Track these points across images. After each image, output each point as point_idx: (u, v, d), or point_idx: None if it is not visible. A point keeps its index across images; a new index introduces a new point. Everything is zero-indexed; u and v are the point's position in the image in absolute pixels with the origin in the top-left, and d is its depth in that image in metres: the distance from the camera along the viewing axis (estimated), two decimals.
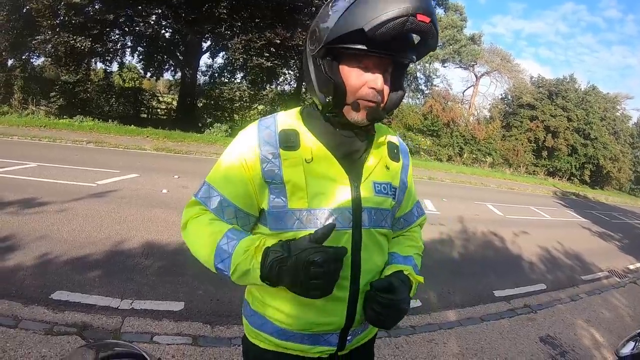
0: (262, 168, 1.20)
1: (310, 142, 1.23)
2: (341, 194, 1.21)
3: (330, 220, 1.18)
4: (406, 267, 1.32)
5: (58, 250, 4.63)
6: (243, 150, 1.24)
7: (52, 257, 4.46)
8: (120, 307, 3.68)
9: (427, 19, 1.04)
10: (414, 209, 1.53)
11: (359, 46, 1.08)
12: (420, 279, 1.34)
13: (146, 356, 0.99)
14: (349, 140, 1.26)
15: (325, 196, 1.20)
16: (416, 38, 1.15)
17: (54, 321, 3.30)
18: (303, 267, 1.02)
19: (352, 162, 1.26)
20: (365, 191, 1.25)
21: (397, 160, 1.38)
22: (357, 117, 1.18)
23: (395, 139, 1.42)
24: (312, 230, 1.13)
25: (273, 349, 1.32)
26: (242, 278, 1.14)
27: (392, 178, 1.34)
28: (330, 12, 1.11)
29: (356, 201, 1.22)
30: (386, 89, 1.19)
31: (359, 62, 1.14)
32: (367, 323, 1.37)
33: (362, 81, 1.15)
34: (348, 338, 1.32)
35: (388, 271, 1.30)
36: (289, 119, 1.28)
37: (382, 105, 1.20)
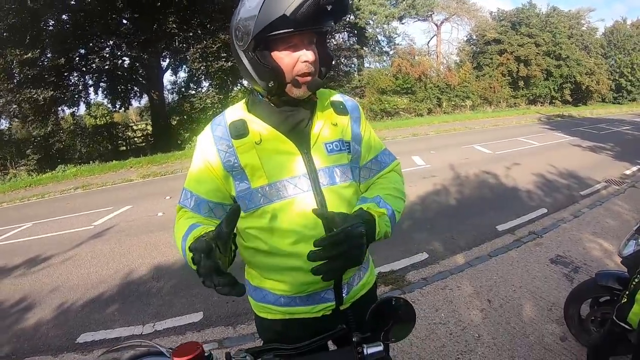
0: (222, 161, 1.33)
1: (257, 126, 1.34)
2: (295, 163, 1.31)
3: (289, 189, 1.30)
4: (366, 204, 1.31)
5: (73, 297, 4.71)
6: (203, 151, 1.38)
7: (68, 304, 4.55)
8: (144, 332, 3.79)
9: None
10: (379, 156, 1.54)
11: (286, 30, 1.16)
12: (382, 210, 1.30)
13: (165, 352, 1.07)
14: (292, 114, 1.36)
15: (281, 169, 1.31)
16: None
17: None
18: (190, 258, 1.05)
19: (299, 133, 1.36)
20: (317, 154, 1.34)
21: (345, 113, 1.45)
22: (300, 92, 1.29)
23: (338, 97, 1.50)
24: (279, 202, 1.29)
25: (280, 317, 1.44)
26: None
27: (342, 134, 1.40)
28: (249, 7, 1.20)
29: (310, 165, 1.32)
30: (316, 58, 1.28)
31: (287, 43, 1.22)
32: (359, 273, 1.49)
33: (294, 59, 1.24)
34: (343, 292, 1.41)
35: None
36: (235, 111, 1.41)
37: (317, 73, 1.30)
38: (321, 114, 1.40)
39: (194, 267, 1.04)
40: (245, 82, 22.31)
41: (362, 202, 1.37)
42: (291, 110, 1.36)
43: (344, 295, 1.42)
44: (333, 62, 1.40)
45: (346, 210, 1.33)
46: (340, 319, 1.35)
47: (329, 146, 1.37)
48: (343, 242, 1.09)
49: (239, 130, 1.33)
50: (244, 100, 1.45)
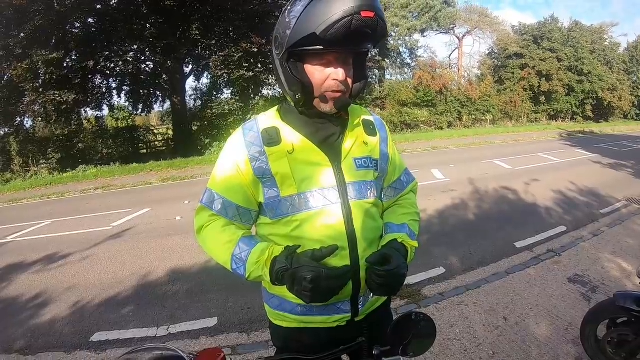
0: (253, 167, 1.35)
1: (290, 135, 1.36)
2: (325, 175, 1.34)
3: (318, 200, 1.33)
4: (400, 234, 1.43)
5: (89, 296, 4.76)
6: (233, 154, 1.39)
7: (84, 303, 4.60)
8: (158, 335, 3.81)
9: (371, 14, 1.14)
10: (402, 177, 1.62)
11: (317, 47, 1.20)
12: (415, 243, 1.45)
13: (186, 357, 1.08)
14: (324, 127, 1.39)
15: (311, 179, 1.33)
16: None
17: None
18: (297, 281, 1.18)
19: (330, 145, 1.39)
20: (347, 168, 1.37)
21: (375, 134, 1.49)
22: (327, 107, 1.32)
23: (369, 116, 1.53)
24: (307, 212, 1.32)
25: (296, 325, 1.46)
26: (256, 280, 1.34)
27: (371, 152, 1.45)
28: (287, 19, 1.23)
29: (340, 178, 1.35)
30: (350, 78, 1.31)
31: (320, 58, 1.26)
32: None
33: (326, 75, 1.27)
34: (360, 304, 1.43)
35: (384, 241, 1.41)
36: (268, 118, 1.43)
37: (347, 93, 1.32)
38: (352, 131, 1.43)
39: (277, 284, 1.25)
40: (266, 92, 22.50)
41: (392, 229, 1.47)
42: (323, 123, 1.39)
43: (359, 307, 1.43)
44: (366, 85, 1.41)
45: (372, 224, 1.42)
46: (354, 330, 1.39)
47: (359, 162, 1.40)
48: (392, 277, 1.26)
49: (272, 138, 1.36)
50: (276, 108, 1.48)
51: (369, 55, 1.51)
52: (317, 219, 1.32)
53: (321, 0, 1.15)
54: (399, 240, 1.40)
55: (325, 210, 1.32)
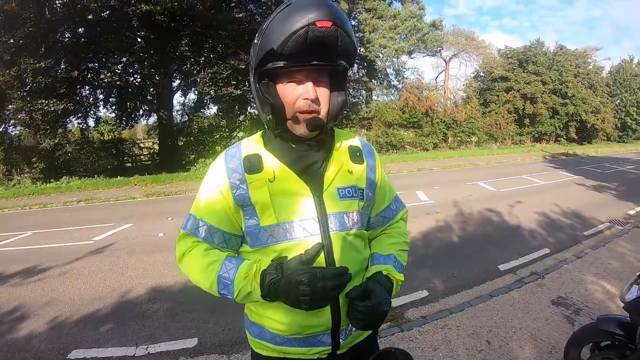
0: (233, 194, 1.31)
1: (271, 162, 1.32)
2: (305, 205, 1.30)
3: (297, 232, 1.28)
4: (386, 266, 1.39)
5: (67, 312, 4.66)
6: (216, 180, 1.36)
7: (62, 319, 4.50)
8: (137, 355, 3.73)
9: (328, 24, 1.12)
10: (391, 205, 1.57)
11: (279, 63, 1.18)
12: (400, 276, 1.41)
13: None
14: (305, 154, 1.35)
15: (291, 210, 1.29)
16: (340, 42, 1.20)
17: None
18: (293, 287, 1.14)
19: (312, 174, 1.34)
20: (329, 198, 1.32)
21: (361, 162, 1.43)
22: (300, 129, 1.27)
23: (356, 141, 1.48)
24: (286, 244, 1.28)
25: (275, 355, 1.41)
26: (245, 299, 1.27)
27: (356, 181, 1.39)
28: (256, 40, 1.23)
29: (320, 209, 1.30)
30: (324, 97, 1.27)
31: (291, 77, 1.24)
32: None
33: (297, 95, 1.24)
34: (341, 337, 1.38)
35: (368, 273, 1.37)
36: (251, 144, 1.39)
37: (322, 112, 1.28)
38: (337, 158, 1.39)
39: (274, 298, 1.20)
40: (251, 110, 22.61)
41: (378, 260, 1.43)
42: (305, 150, 1.35)
43: (341, 340, 1.38)
44: (345, 105, 1.36)
45: (355, 257, 1.37)
46: None
47: (342, 192, 1.35)
48: (373, 313, 1.24)
49: (254, 165, 1.32)
50: (260, 133, 1.45)
51: (351, 75, 1.46)
52: (296, 250, 1.25)
53: (282, 16, 1.14)
54: (384, 273, 1.36)
55: (304, 242, 1.27)
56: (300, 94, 1.23)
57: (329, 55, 1.20)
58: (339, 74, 1.31)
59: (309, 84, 1.22)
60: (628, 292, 2.61)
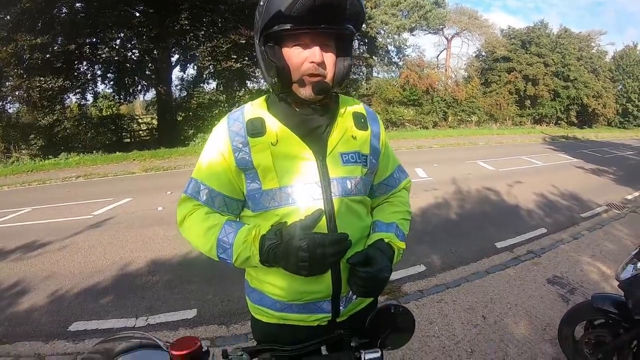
0: (235, 157, 1.29)
1: (274, 126, 1.30)
2: (308, 169, 1.28)
3: (299, 195, 1.27)
4: (387, 234, 1.37)
5: (68, 285, 4.70)
6: (218, 144, 1.33)
7: (63, 292, 4.54)
8: (137, 325, 3.78)
9: None
10: (394, 174, 1.56)
11: (286, 26, 1.16)
12: (402, 244, 1.39)
13: (162, 345, 1.06)
14: (309, 118, 1.33)
15: (293, 173, 1.27)
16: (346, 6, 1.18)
17: (77, 351, 3.40)
18: (292, 252, 1.13)
19: (315, 138, 1.32)
20: (332, 163, 1.30)
21: (365, 128, 1.41)
22: (305, 92, 1.25)
23: (360, 107, 1.46)
24: (288, 207, 1.26)
25: (275, 321, 1.41)
26: (243, 263, 1.26)
27: (360, 146, 1.37)
28: (261, 2, 1.19)
29: (323, 173, 1.28)
30: (330, 61, 1.25)
31: (297, 40, 1.21)
32: None
33: (303, 58, 1.21)
34: (341, 304, 1.37)
35: (370, 240, 1.35)
36: (254, 108, 1.37)
37: (328, 77, 1.26)
38: (341, 123, 1.37)
39: (281, 262, 1.17)
40: (250, 85, 22.41)
41: (380, 228, 1.41)
42: (309, 114, 1.33)
43: (341, 308, 1.38)
44: (350, 70, 1.34)
45: (356, 223, 1.36)
46: (336, 330, 1.34)
47: (345, 157, 1.34)
48: (374, 279, 1.23)
49: (257, 129, 1.30)
50: (264, 97, 1.42)
51: (355, 45, 1.43)
52: (298, 214, 1.23)
53: None
54: (386, 241, 1.34)
55: (307, 206, 1.25)
56: (306, 57, 1.21)
57: (337, 19, 1.18)
58: (345, 39, 1.29)
59: (316, 48, 1.20)
60: (623, 271, 2.64)
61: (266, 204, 1.29)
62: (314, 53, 1.20)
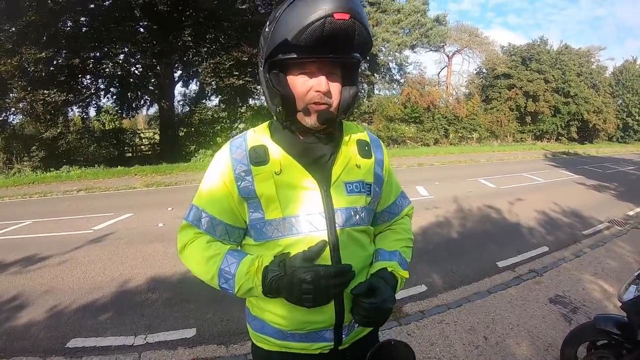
0: (238, 186, 1.28)
1: (278, 154, 1.29)
2: (312, 199, 1.27)
3: (303, 226, 1.26)
4: (390, 263, 1.37)
5: (66, 300, 4.67)
6: (220, 171, 1.32)
7: (61, 307, 4.51)
8: (135, 344, 3.74)
9: (346, 16, 1.08)
10: (397, 201, 1.55)
11: (291, 55, 1.15)
12: (405, 274, 1.39)
13: None
14: (313, 147, 1.32)
15: (297, 203, 1.26)
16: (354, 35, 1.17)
17: None
18: (296, 285, 1.13)
19: (320, 167, 1.31)
20: (337, 193, 1.29)
21: (369, 156, 1.40)
22: (310, 121, 1.24)
23: (364, 135, 1.44)
24: (291, 238, 1.25)
25: (277, 349, 1.39)
26: (245, 294, 1.26)
27: (364, 175, 1.36)
28: (267, 29, 1.19)
29: (327, 203, 1.27)
30: (336, 90, 1.24)
31: (303, 69, 1.20)
32: None
33: (308, 86, 1.20)
34: (343, 333, 1.36)
35: (373, 269, 1.35)
36: (257, 134, 1.36)
37: (333, 105, 1.25)
38: (345, 152, 1.36)
39: (284, 294, 1.17)
40: (252, 102, 22.51)
41: (383, 256, 1.41)
42: (313, 143, 1.32)
43: (343, 336, 1.37)
44: (356, 99, 1.33)
45: (360, 254, 1.35)
46: (337, 358, 1.34)
47: (349, 186, 1.33)
48: (378, 310, 1.22)
49: (260, 157, 1.29)
50: (267, 124, 1.41)
51: (360, 69, 1.43)
52: (302, 245, 1.22)
53: (296, 5, 1.10)
54: (389, 270, 1.34)
55: (310, 237, 1.24)
56: (312, 86, 1.21)
57: (344, 48, 1.17)
58: (352, 67, 1.28)
59: (322, 77, 1.20)
60: (626, 292, 2.62)
61: (269, 234, 1.28)
62: (320, 82, 1.20)
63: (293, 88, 1.22)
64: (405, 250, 1.48)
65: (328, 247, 1.22)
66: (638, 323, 2.41)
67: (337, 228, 1.28)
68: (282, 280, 1.16)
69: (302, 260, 1.15)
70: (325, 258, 1.23)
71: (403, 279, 1.38)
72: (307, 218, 1.26)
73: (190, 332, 3.93)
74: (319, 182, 1.29)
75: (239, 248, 1.41)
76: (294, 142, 1.32)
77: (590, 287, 4.78)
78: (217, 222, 1.34)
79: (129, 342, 3.78)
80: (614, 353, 2.62)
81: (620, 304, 2.62)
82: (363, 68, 30.09)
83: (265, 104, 24.22)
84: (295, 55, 1.15)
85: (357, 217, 1.33)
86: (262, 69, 1.25)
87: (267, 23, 1.20)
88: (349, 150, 1.37)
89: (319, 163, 1.32)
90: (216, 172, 1.34)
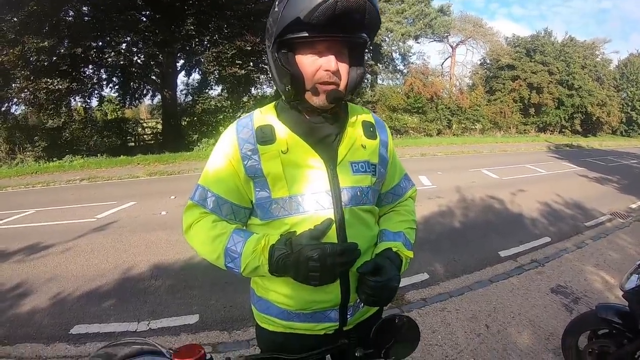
0: (245, 165, 1.28)
1: (284, 133, 1.29)
2: (318, 178, 1.27)
3: (309, 205, 1.26)
4: (395, 243, 1.38)
5: (70, 288, 4.70)
6: (226, 151, 1.32)
7: (65, 295, 4.53)
8: (138, 330, 3.77)
9: None
10: (401, 182, 1.57)
11: (302, 34, 1.15)
12: (410, 253, 1.39)
13: (165, 353, 1.06)
14: (320, 126, 1.32)
15: (303, 182, 1.26)
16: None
17: (77, 354, 3.40)
18: (303, 262, 1.12)
19: (326, 146, 1.31)
20: (343, 172, 1.30)
21: (374, 137, 1.41)
22: (318, 100, 1.24)
23: (369, 116, 1.46)
24: (297, 217, 1.25)
25: (281, 330, 1.40)
26: (252, 273, 1.26)
27: (369, 156, 1.37)
28: (276, 8, 1.18)
29: (334, 182, 1.28)
30: (344, 70, 1.24)
31: (312, 48, 1.20)
32: None
33: (317, 66, 1.20)
34: (348, 313, 1.37)
35: (378, 249, 1.36)
36: (264, 114, 1.36)
37: (341, 85, 1.25)
38: (351, 132, 1.36)
39: (291, 272, 1.17)
40: (255, 91, 22.43)
41: (387, 237, 1.41)
42: (319, 122, 1.32)
43: (348, 316, 1.38)
44: (363, 79, 1.33)
45: (365, 233, 1.36)
46: (342, 338, 1.33)
47: (355, 166, 1.33)
48: (383, 289, 1.24)
49: (266, 136, 1.29)
50: (273, 104, 1.41)
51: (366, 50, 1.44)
52: (308, 224, 1.22)
53: None
54: (394, 250, 1.35)
55: (316, 215, 1.24)
56: (321, 65, 1.20)
57: (354, 27, 1.17)
58: (359, 47, 1.28)
59: (331, 57, 1.20)
60: (627, 281, 2.62)
61: (275, 213, 1.28)
62: (330, 61, 1.20)
63: (302, 67, 1.22)
64: (409, 232, 1.49)
65: (334, 225, 1.23)
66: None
67: (343, 207, 1.28)
68: (289, 259, 1.15)
69: (309, 238, 1.15)
70: (331, 236, 1.23)
71: (408, 259, 1.39)
72: (314, 197, 1.26)
73: (193, 319, 3.95)
74: (325, 161, 1.29)
75: (245, 228, 1.41)
76: (300, 121, 1.32)
77: (592, 278, 4.79)
78: (223, 202, 1.33)
79: (132, 328, 3.81)
80: (615, 342, 2.62)
81: (622, 293, 2.62)
82: (367, 58, 29.99)
83: (267, 91, 24.56)
84: (307, 34, 1.15)
85: (363, 196, 1.34)
86: (270, 48, 1.25)
87: (277, 3, 1.19)
88: (354, 130, 1.37)
89: (325, 142, 1.32)
90: (222, 152, 1.34)
